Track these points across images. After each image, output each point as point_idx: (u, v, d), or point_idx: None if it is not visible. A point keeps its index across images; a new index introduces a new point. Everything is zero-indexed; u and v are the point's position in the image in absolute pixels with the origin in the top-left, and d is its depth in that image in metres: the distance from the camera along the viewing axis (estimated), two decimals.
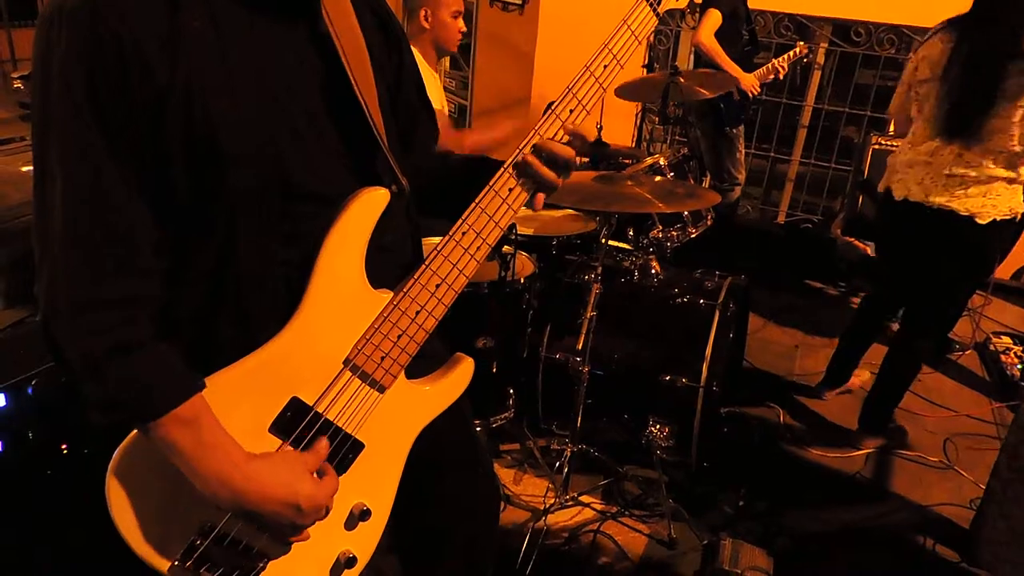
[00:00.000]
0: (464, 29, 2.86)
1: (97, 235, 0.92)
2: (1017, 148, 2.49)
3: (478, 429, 2.56)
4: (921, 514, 2.68)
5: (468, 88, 5.65)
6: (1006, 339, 3.87)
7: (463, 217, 1.09)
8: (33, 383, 1.62)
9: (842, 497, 2.77)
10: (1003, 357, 3.69)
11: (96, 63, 0.88)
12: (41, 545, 1.68)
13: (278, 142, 1.00)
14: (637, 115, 5.14)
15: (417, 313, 1.10)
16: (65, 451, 1.68)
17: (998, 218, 2.57)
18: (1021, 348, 3.76)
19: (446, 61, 5.59)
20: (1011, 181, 2.55)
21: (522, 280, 2.66)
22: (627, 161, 3.27)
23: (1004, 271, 4.54)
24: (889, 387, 3.00)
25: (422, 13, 2.72)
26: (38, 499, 1.68)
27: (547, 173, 1.11)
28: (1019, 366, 3.60)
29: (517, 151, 1.11)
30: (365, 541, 1.17)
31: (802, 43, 4.34)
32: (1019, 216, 2.61)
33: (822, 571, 2.40)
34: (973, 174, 2.56)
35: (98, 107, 0.89)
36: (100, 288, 0.93)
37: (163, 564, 1.03)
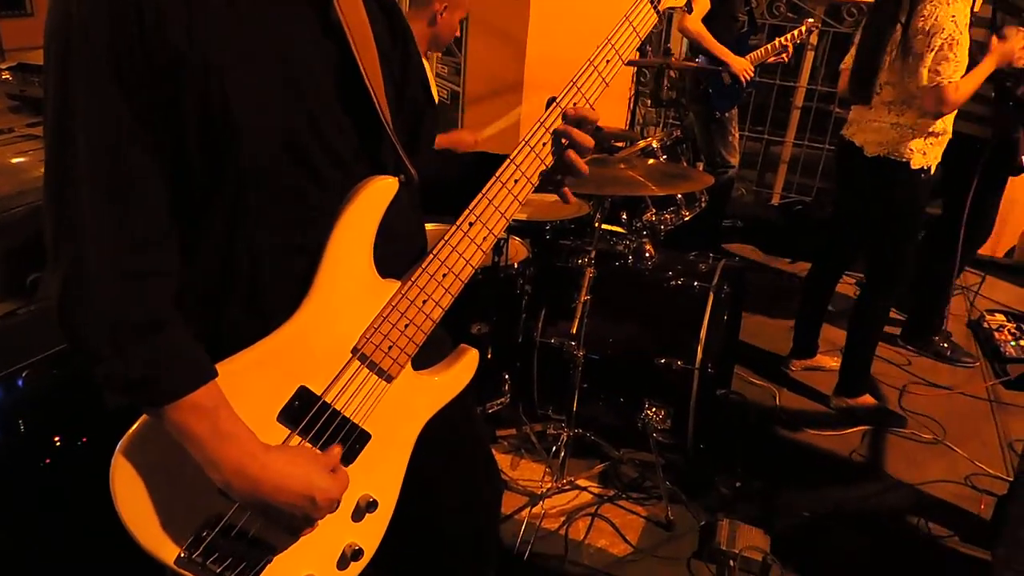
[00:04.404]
0: (459, 33, 2.87)
1: (125, 204, 0.91)
2: (914, 99, 2.70)
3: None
4: (916, 492, 2.70)
5: (460, 74, 5.62)
6: (999, 316, 3.89)
7: (470, 208, 1.09)
8: (24, 375, 1.61)
9: (838, 477, 2.78)
10: (997, 335, 3.71)
11: (118, 32, 0.87)
12: (33, 538, 1.68)
13: (292, 121, 0.99)
14: (630, 98, 5.11)
15: (425, 302, 1.09)
16: (57, 443, 1.68)
17: (924, 165, 2.76)
18: (1015, 325, 3.78)
19: None
20: (923, 132, 2.73)
21: (516, 265, 2.65)
22: (620, 144, 3.25)
23: (997, 249, 4.55)
24: (854, 345, 3.10)
25: (438, 6, 2.67)
26: (30, 492, 1.67)
27: (572, 156, 1.13)
28: (1012, 343, 3.62)
29: (522, 142, 1.11)
30: (371, 533, 1.16)
31: (810, 19, 4.29)
32: (933, 168, 2.80)
33: (819, 550, 2.41)
34: (886, 126, 2.79)
35: (122, 78, 0.88)
36: (128, 258, 0.91)
37: (169, 556, 1.01)
